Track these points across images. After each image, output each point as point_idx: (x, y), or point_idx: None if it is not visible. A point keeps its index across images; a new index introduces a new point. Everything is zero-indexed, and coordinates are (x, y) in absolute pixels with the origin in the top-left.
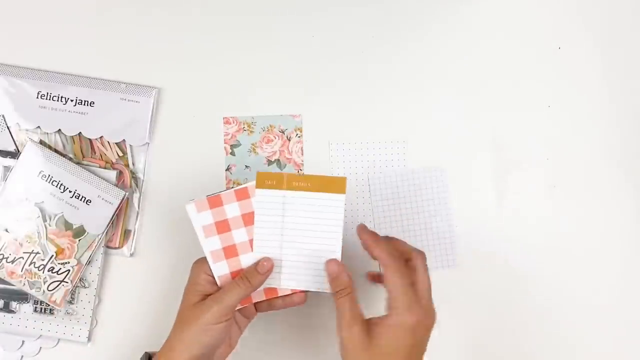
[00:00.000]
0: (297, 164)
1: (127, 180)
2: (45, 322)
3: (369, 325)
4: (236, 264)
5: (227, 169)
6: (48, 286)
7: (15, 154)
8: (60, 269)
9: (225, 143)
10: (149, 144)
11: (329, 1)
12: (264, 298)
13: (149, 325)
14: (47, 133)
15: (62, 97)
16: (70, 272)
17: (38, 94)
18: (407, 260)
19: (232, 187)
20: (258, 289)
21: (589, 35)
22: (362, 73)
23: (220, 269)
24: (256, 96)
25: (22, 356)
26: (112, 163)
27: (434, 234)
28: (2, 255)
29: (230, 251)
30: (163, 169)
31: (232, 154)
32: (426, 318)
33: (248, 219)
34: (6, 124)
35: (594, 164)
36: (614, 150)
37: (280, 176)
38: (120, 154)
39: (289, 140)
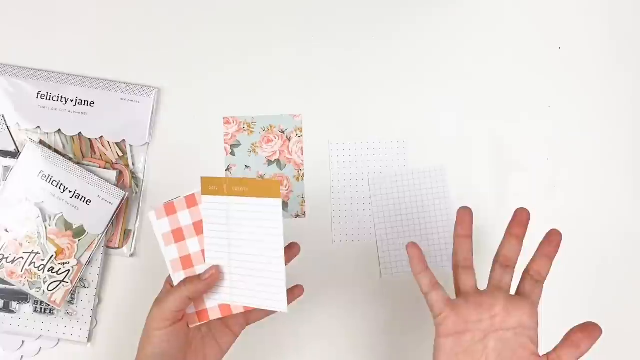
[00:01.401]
0: (297, 164)
1: (127, 180)
2: (45, 322)
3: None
4: (192, 274)
5: (227, 169)
6: (48, 286)
7: (15, 154)
8: (60, 269)
9: (225, 143)
10: (149, 144)
11: (329, 1)
12: (221, 315)
13: None
14: (47, 133)
15: (62, 97)
16: (70, 272)
17: (38, 94)
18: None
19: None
20: (212, 305)
21: (589, 35)
22: (362, 73)
23: (180, 279)
24: (256, 96)
25: (22, 356)
26: (112, 163)
27: (433, 234)
28: (2, 255)
29: (186, 262)
30: (163, 169)
31: (232, 154)
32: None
33: (199, 227)
34: (6, 124)
35: (594, 164)
36: (614, 150)
37: (222, 181)
38: (120, 154)
39: (289, 140)
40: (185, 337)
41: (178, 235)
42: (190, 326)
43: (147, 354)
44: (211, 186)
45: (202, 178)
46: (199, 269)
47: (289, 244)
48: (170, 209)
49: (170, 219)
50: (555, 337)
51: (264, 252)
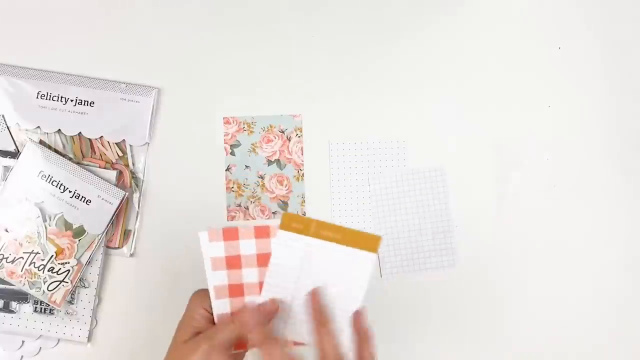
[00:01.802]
0: (297, 164)
1: (127, 180)
2: (45, 322)
3: None
4: (239, 304)
5: (227, 169)
6: (48, 286)
7: (15, 154)
8: (60, 269)
9: (225, 143)
10: (149, 144)
11: (328, 1)
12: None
13: (149, 325)
14: (47, 133)
15: (62, 97)
16: (70, 272)
17: (38, 94)
18: None
19: (252, 224)
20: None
21: (590, 35)
22: (362, 73)
23: (221, 307)
24: (256, 96)
25: (22, 356)
26: (112, 163)
27: (433, 233)
28: (2, 255)
29: (235, 290)
30: (163, 169)
31: (232, 154)
32: None
33: (263, 259)
34: (6, 124)
35: (594, 164)
36: (614, 150)
37: (309, 222)
38: (120, 154)
39: (289, 140)
40: None
41: (233, 262)
42: (230, 351)
43: None
44: (294, 223)
45: (284, 214)
46: (250, 299)
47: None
48: (230, 234)
49: (227, 244)
50: (556, 337)
51: (340, 296)
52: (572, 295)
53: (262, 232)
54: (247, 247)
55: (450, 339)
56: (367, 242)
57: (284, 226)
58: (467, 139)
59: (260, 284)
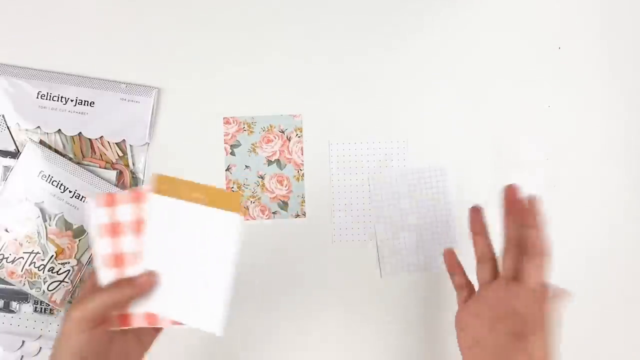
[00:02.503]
0: (297, 164)
1: (127, 180)
2: (45, 322)
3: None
4: (121, 275)
5: (227, 169)
6: (48, 286)
7: (15, 154)
8: (60, 269)
9: (225, 143)
10: (149, 144)
11: (328, 1)
12: (146, 325)
13: None
14: (47, 133)
15: (62, 97)
16: (70, 272)
17: (38, 94)
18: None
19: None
20: (138, 311)
21: (589, 35)
22: (362, 73)
23: (107, 277)
24: (256, 96)
25: (22, 356)
26: (112, 163)
27: (433, 233)
28: (2, 255)
29: (118, 260)
30: (163, 169)
31: (232, 154)
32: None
33: (139, 227)
34: (6, 124)
35: (594, 163)
36: (614, 150)
37: (178, 183)
38: (120, 154)
39: (289, 140)
40: (108, 339)
41: (115, 229)
42: (110, 329)
43: (65, 357)
44: (165, 185)
45: (154, 175)
46: (130, 271)
47: None
48: (111, 199)
49: (109, 210)
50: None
51: (211, 268)
52: (573, 295)
53: (137, 197)
54: (125, 212)
55: (452, 340)
56: (229, 201)
57: (157, 189)
58: (467, 139)
59: (138, 254)
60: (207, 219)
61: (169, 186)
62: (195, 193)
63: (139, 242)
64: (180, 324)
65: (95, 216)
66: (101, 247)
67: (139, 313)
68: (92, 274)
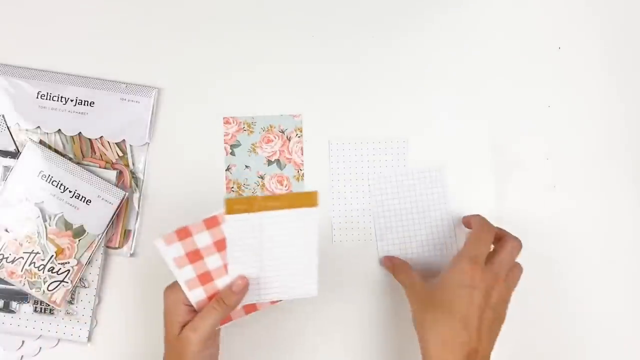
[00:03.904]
0: (297, 164)
1: (127, 180)
2: (45, 322)
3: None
4: (212, 288)
5: (227, 169)
6: (48, 286)
7: (15, 154)
8: (60, 269)
9: (225, 143)
10: (149, 144)
11: (328, 1)
12: (244, 315)
13: (149, 325)
14: (47, 133)
15: (62, 97)
16: (70, 272)
17: (38, 94)
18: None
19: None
20: (237, 307)
21: (589, 35)
22: (362, 73)
23: (197, 296)
24: (256, 96)
25: (22, 356)
26: (112, 163)
27: (433, 233)
28: (2, 255)
29: (205, 278)
30: (163, 169)
31: (232, 154)
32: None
33: (221, 245)
34: (6, 124)
35: (594, 163)
36: (614, 150)
37: (250, 200)
38: (120, 154)
39: (289, 140)
40: (217, 345)
41: (194, 256)
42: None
43: None
44: (237, 205)
45: (225, 200)
46: (220, 281)
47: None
48: (183, 233)
49: (184, 243)
50: (556, 337)
51: (298, 250)
52: (572, 295)
53: (212, 223)
54: (203, 239)
55: None
56: (307, 200)
57: (230, 210)
58: (467, 139)
59: (225, 266)
60: (289, 219)
61: (241, 205)
62: (270, 202)
63: (222, 255)
64: (279, 300)
65: (168, 253)
66: (183, 275)
67: (236, 308)
68: (178, 295)
